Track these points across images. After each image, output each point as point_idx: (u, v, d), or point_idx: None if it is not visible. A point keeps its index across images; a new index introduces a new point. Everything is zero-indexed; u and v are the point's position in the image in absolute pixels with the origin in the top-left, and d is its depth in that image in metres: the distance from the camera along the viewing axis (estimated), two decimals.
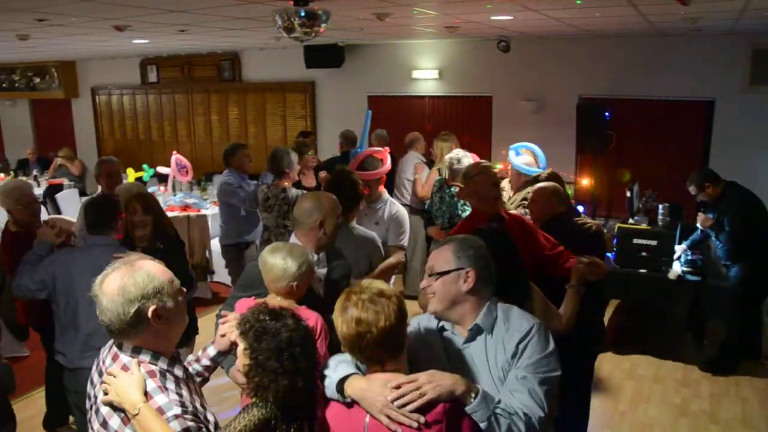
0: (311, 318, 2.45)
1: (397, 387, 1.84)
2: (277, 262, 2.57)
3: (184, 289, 1.97)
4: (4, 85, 13.35)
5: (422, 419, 1.79)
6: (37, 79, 12.87)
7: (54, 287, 3.41)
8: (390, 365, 1.93)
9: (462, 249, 2.18)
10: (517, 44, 8.00)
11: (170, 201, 7.42)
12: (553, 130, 7.93)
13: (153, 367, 1.85)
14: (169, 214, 6.16)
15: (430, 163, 6.73)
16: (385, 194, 4.49)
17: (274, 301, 2.53)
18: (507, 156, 5.50)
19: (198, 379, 2.20)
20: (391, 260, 4.06)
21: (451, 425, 1.81)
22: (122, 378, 1.81)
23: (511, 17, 5.70)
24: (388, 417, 1.81)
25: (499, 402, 1.93)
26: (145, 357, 1.86)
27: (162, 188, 8.38)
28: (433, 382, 1.84)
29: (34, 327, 4.30)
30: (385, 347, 1.90)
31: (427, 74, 8.93)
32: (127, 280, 1.81)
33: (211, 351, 2.24)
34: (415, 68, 9.00)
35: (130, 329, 1.82)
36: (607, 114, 7.22)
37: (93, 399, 1.92)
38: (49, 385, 4.38)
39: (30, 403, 4.83)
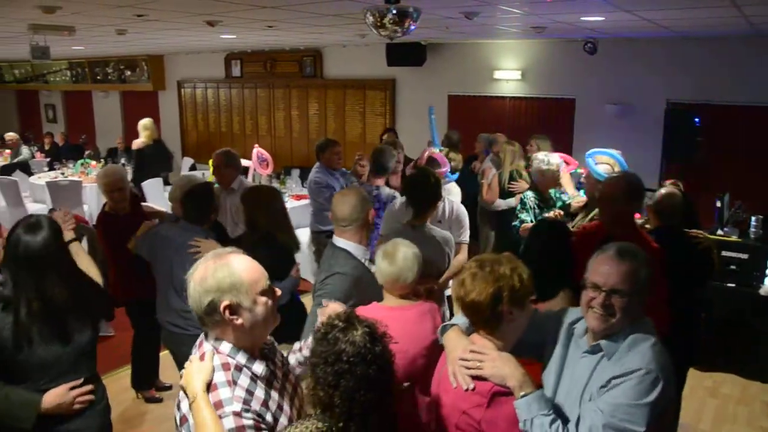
0: (424, 306, 2.65)
1: (472, 351, 2.02)
2: (400, 264, 2.64)
3: (278, 291, 1.97)
4: (98, 77, 14.03)
5: (471, 386, 1.96)
6: (128, 72, 13.45)
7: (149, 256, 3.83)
8: (483, 333, 2.06)
9: (645, 264, 2.02)
10: (604, 46, 7.79)
11: None
12: (637, 136, 7.69)
13: (230, 360, 1.88)
14: None
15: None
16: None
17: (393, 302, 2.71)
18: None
19: (298, 371, 2.22)
20: (460, 257, 4.05)
21: (491, 406, 1.93)
22: (194, 365, 1.87)
23: (603, 18, 5.55)
24: (453, 371, 2.02)
25: (551, 413, 1.91)
26: (225, 349, 1.89)
27: None
28: (495, 363, 1.96)
29: (125, 300, 4.52)
30: (473, 318, 2.06)
31: (509, 75, 8.81)
32: (209, 271, 1.86)
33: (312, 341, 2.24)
34: (497, 68, 8.89)
35: (206, 318, 1.88)
36: (697, 120, 6.95)
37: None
38: (135, 351, 4.81)
39: (116, 380, 5.03)
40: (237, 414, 1.77)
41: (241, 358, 1.89)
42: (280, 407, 1.93)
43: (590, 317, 2.01)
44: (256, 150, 8.09)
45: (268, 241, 3.68)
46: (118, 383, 4.95)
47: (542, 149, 6.08)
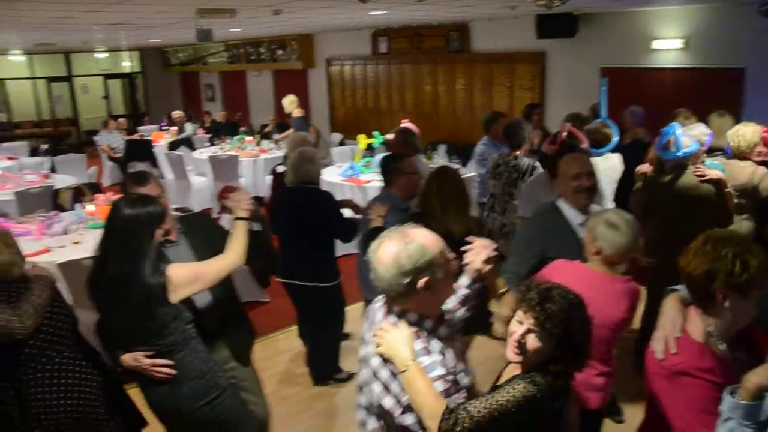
0: (630, 285, 2.59)
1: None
2: (630, 234, 2.56)
3: (454, 256, 2.01)
4: (251, 57, 14.79)
5: (660, 356, 2.03)
6: (279, 52, 14.06)
7: None
8: (697, 310, 2.03)
9: None
10: None
11: None
12: None
13: (417, 328, 1.94)
14: None
15: None
16: None
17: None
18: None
19: (462, 311, 2.27)
20: None
21: (671, 382, 2.00)
22: (393, 333, 1.91)
23: None
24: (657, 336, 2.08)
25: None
26: (411, 318, 1.95)
27: None
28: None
29: None
30: (690, 291, 2.05)
31: (669, 44, 8.25)
32: (401, 251, 1.87)
33: (464, 280, 2.28)
34: (656, 38, 8.35)
35: (400, 297, 1.92)
36: None
37: (364, 353, 2.05)
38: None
39: (272, 343, 5.33)
40: (442, 378, 1.85)
41: (428, 325, 1.97)
42: (463, 368, 2.02)
43: None
44: (405, 125, 8.18)
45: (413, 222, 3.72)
46: (274, 346, 5.28)
47: (713, 125, 5.60)
